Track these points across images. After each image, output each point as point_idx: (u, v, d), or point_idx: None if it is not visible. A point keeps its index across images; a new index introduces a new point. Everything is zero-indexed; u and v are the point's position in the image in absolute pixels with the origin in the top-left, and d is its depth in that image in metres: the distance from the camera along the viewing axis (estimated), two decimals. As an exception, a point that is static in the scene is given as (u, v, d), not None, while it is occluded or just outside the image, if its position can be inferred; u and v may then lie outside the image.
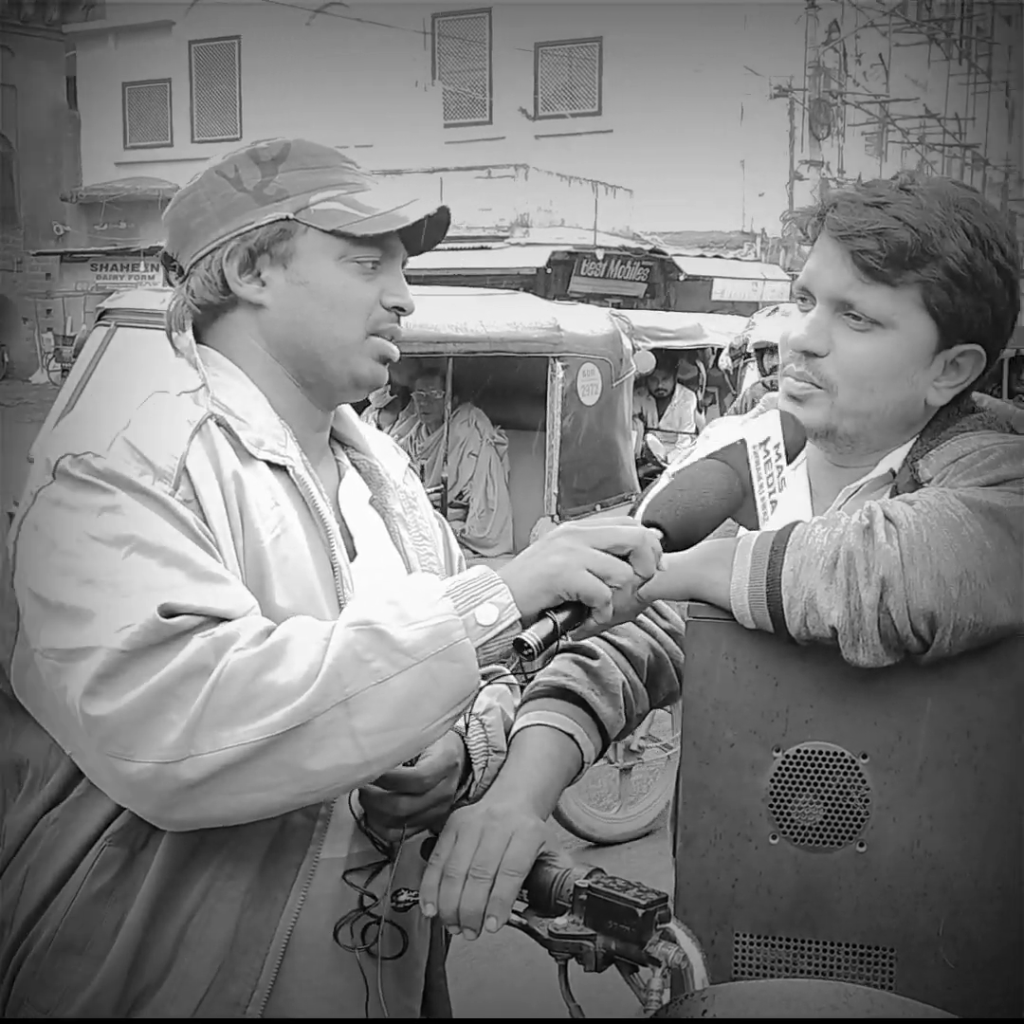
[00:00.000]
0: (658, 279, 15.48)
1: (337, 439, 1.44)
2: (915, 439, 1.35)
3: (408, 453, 5.77)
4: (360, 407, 6.12)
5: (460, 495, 5.56)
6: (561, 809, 4.02)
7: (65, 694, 1.11)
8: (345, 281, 1.31)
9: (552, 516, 5.03)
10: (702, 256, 15.67)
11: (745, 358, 5.92)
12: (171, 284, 1.36)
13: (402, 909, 1.26)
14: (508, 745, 1.38)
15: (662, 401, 7.94)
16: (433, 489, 4.75)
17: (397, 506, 1.43)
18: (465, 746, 1.34)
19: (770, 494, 1.24)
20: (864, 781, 1.22)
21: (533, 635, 1.09)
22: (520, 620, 1.12)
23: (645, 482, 5.53)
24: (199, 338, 1.33)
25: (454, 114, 18.98)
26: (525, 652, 1.08)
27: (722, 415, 5.54)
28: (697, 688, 1.27)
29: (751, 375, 5.36)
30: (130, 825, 1.20)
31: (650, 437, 4.93)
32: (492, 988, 3.30)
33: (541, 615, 1.12)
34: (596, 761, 1.44)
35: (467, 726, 1.36)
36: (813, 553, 1.17)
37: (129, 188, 22.02)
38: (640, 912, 1.12)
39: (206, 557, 1.16)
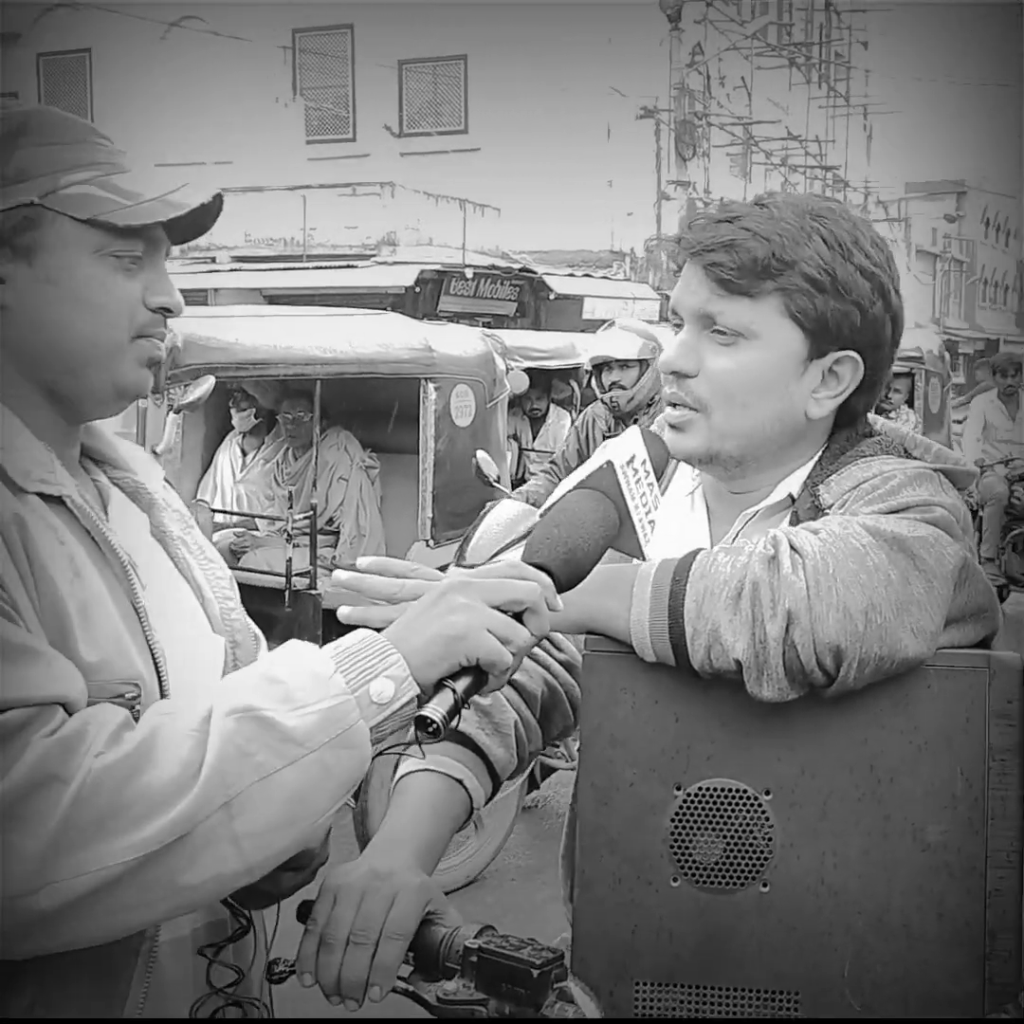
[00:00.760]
0: (528, 298, 15.56)
1: (88, 456, 1.23)
2: (813, 463, 1.33)
3: (275, 480, 5.61)
4: (223, 432, 5.86)
5: (330, 521, 5.41)
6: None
7: None
8: (103, 278, 1.11)
9: (426, 541, 4.92)
10: (572, 275, 15.81)
11: (589, 375, 5.89)
12: None
13: (277, 981, 1.15)
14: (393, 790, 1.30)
15: (536, 421, 7.95)
16: (302, 516, 4.61)
17: (174, 527, 1.24)
18: None
19: (646, 514, 1.19)
20: (767, 818, 1.18)
21: (436, 710, 0.98)
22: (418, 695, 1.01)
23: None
24: None
25: (316, 131, 18.73)
26: (429, 729, 0.98)
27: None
28: (595, 725, 1.22)
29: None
30: None
31: (481, 454, 4.83)
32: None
33: (438, 685, 1.01)
34: (486, 804, 1.37)
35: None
36: (716, 583, 1.12)
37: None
38: (535, 973, 1.05)
39: (12, 628, 0.97)
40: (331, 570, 4.97)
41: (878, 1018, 1.17)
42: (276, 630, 4.40)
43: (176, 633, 1.13)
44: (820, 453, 1.33)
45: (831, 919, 1.18)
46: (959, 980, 1.16)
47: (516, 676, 1.38)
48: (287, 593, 4.41)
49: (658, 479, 1.26)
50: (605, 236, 17.11)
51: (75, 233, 1.10)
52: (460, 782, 1.31)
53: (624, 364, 4.62)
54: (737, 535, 1.34)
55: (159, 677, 1.09)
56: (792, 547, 1.13)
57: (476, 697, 1.23)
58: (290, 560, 4.42)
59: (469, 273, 14.13)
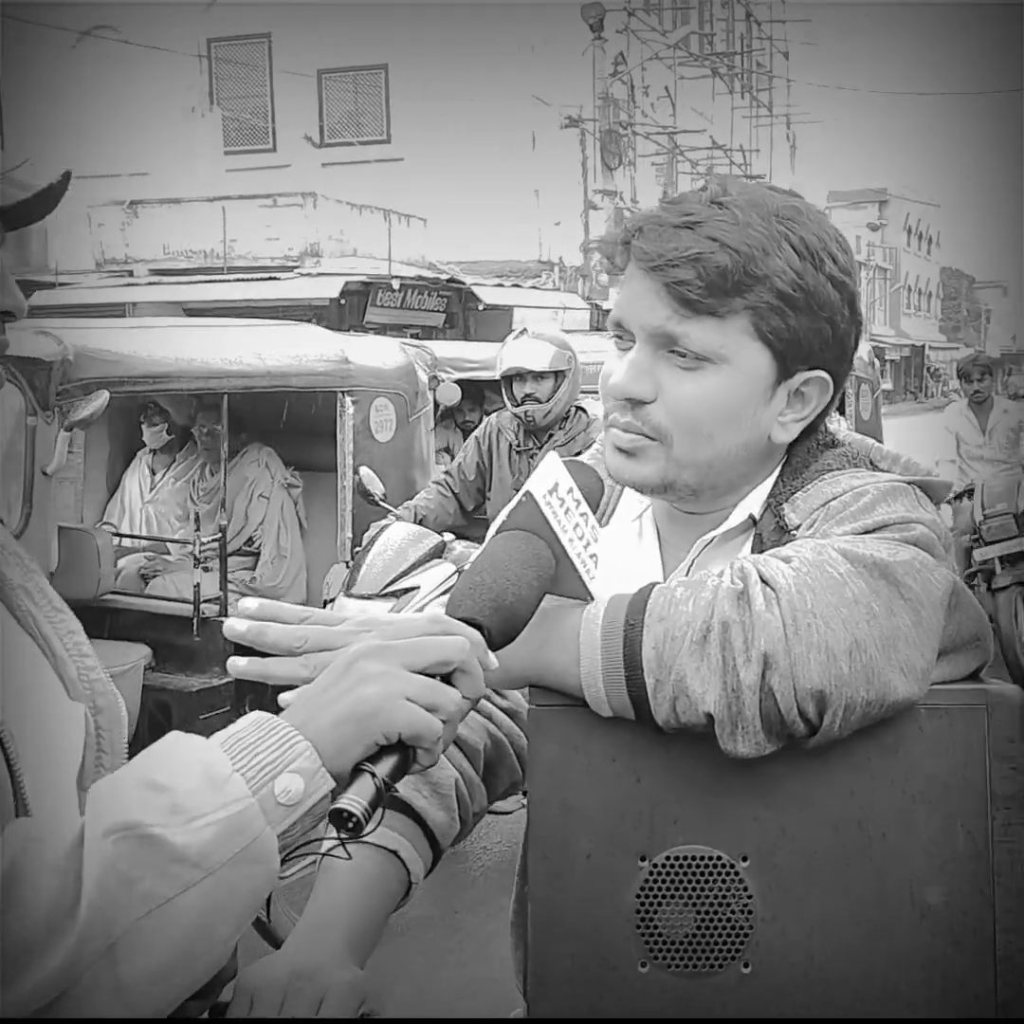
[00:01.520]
0: (457, 309, 15.39)
1: None
2: (774, 479, 1.18)
3: (191, 497, 5.29)
4: (130, 451, 5.55)
5: (250, 541, 5.14)
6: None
7: None
8: None
9: (346, 562, 4.65)
10: (501, 286, 15.68)
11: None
12: None
13: None
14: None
15: (470, 434, 7.80)
16: (211, 538, 4.33)
17: (13, 574, 1.02)
18: None
19: (585, 548, 1.03)
20: (745, 888, 1.04)
21: (355, 801, 0.81)
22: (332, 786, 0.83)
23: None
24: None
25: (235, 141, 18.39)
26: (350, 824, 0.80)
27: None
28: (544, 789, 1.06)
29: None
30: None
31: (365, 470, 4.51)
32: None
33: (356, 769, 0.84)
34: (426, 876, 1.20)
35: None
36: (678, 625, 0.97)
37: None
38: None
39: None
40: (250, 594, 4.75)
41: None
42: (184, 661, 4.19)
43: (27, 705, 0.92)
44: (780, 468, 1.19)
45: (823, 1000, 1.03)
46: (968, 1065, 1.02)
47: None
48: (195, 621, 4.17)
49: (594, 510, 1.11)
50: (533, 246, 17.03)
51: None
52: (395, 853, 1.14)
53: (538, 375, 4.22)
54: (693, 564, 1.19)
55: (9, 767, 0.86)
56: (763, 579, 0.99)
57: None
58: (198, 585, 4.17)
59: (396, 284, 13.95)
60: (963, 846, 1.03)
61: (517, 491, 4.15)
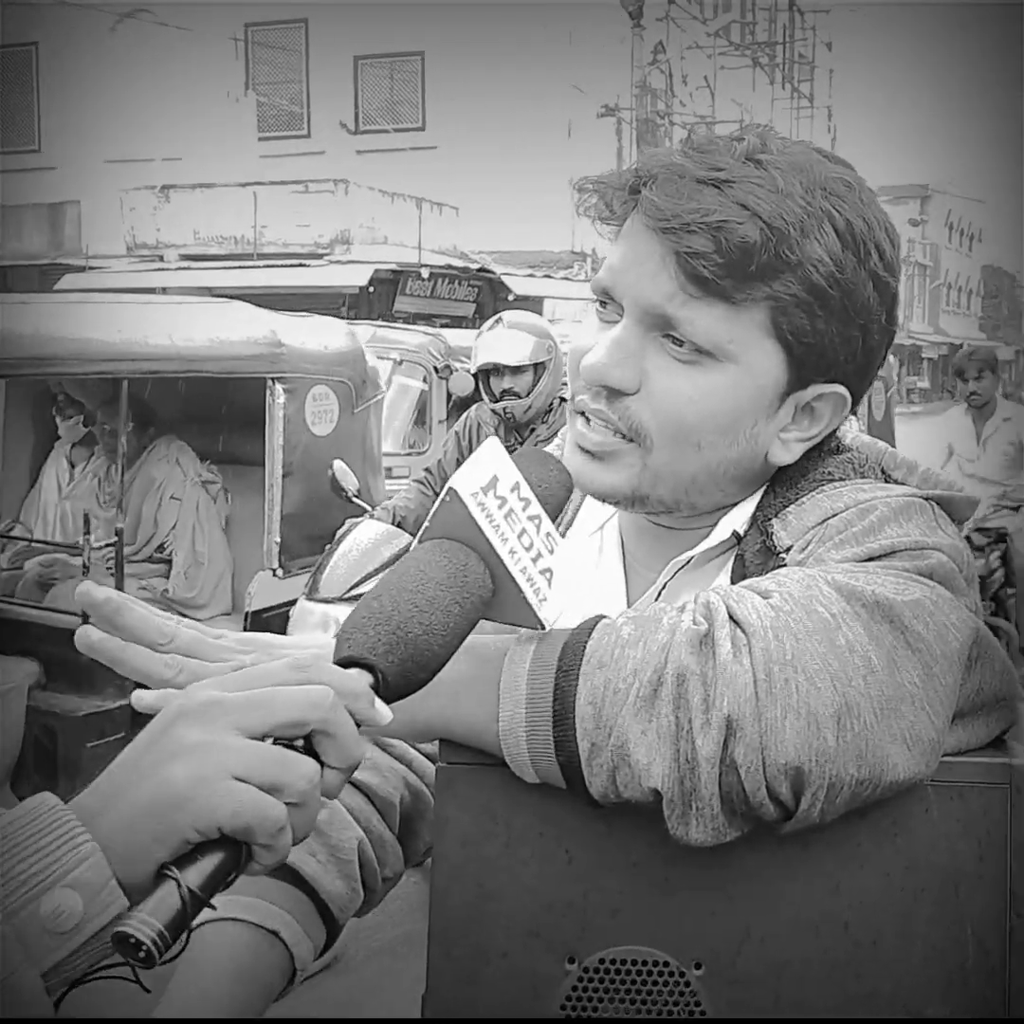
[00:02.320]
0: (487, 299, 15.17)
1: None
2: (763, 490, 0.97)
3: (96, 499, 4.70)
4: (49, 443, 5.05)
5: (161, 548, 4.55)
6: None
7: None
8: None
9: (273, 570, 4.19)
10: (531, 276, 15.47)
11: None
12: None
13: None
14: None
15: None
16: (105, 543, 3.82)
17: None
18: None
19: (534, 561, 0.81)
20: (698, 1003, 0.83)
21: (145, 926, 0.59)
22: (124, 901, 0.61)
23: None
24: None
25: (269, 127, 18.22)
26: (139, 955, 0.59)
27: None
28: (452, 869, 0.86)
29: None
30: None
31: (338, 464, 4.11)
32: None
33: (159, 875, 0.62)
34: (319, 959, 1.00)
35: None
36: (622, 675, 0.76)
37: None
38: None
39: None
40: (164, 605, 4.26)
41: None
42: (75, 681, 3.73)
43: None
44: (771, 477, 0.98)
45: None
46: None
47: (363, 777, 1.01)
48: None
49: (557, 514, 0.90)
50: (566, 236, 16.77)
51: None
52: (276, 935, 0.93)
53: (516, 369, 3.89)
54: (663, 589, 0.98)
55: None
56: (733, 619, 0.77)
57: None
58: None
59: (425, 273, 13.78)
60: (974, 959, 0.82)
61: None
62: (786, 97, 21.39)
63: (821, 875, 0.82)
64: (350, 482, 4.06)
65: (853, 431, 1.04)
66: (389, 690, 0.72)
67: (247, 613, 4.11)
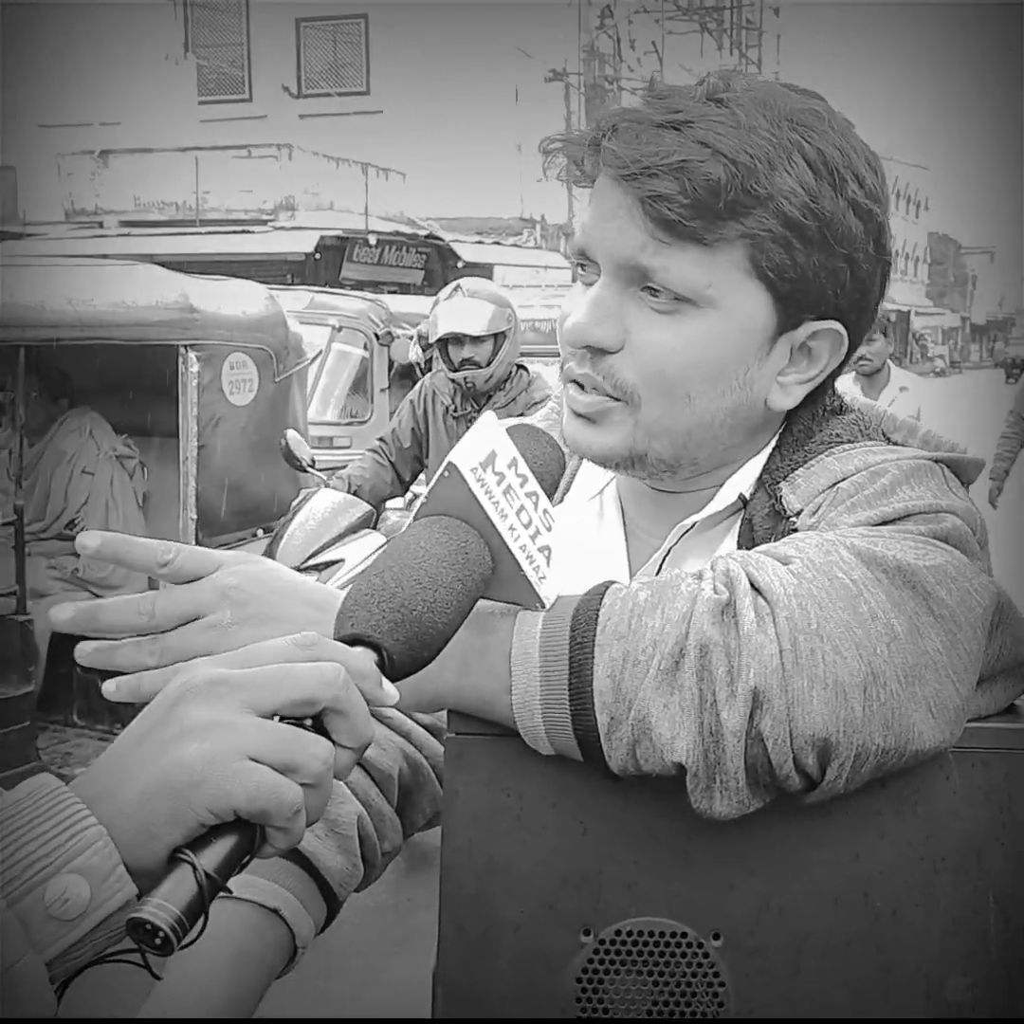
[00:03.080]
0: (436, 266, 15.03)
1: None
2: (770, 451, 0.95)
3: (7, 472, 4.32)
4: None
5: (72, 524, 4.30)
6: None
7: None
8: None
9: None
10: (480, 243, 15.35)
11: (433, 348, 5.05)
12: None
13: None
14: None
15: None
16: (4, 521, 3.57)
17: None
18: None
19: (533, 538, 0.79)
20: (717, 974, 0.81)
21: (161, 910, 0.56)
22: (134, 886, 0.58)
23: None
24: None
25: (209, 90, 17.85)
26: (156, 940, 0.56)
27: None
28: (463, 841, 0.83)
29: (436, 366, 4.26)
30: None
31: (292, 433, 3.97)
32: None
33: (173, 858, 0.59)
34: (319, 934, 0.97)
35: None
36: (641, 645, 0.74)
37: None
38: None
39: None
40: (75, 586, 4.13)
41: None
42: None
43: None
44: (777, 437, 0.96)
45: (810, 1118, 0.81)
46: None
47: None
48: None
49: (553, 490, 0.87)
50: (515, 203, 16.65)
51: None
52: (277, 913, 0.91)
53: (476, 339, 3.85)
54: (667, 556, 0.95)
55: None
56: (754, 587, 0.75)
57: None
58: None
59: (373, 240, 13.63)
60: (995, 929, 0.81)
61: None
62: (734, 62, 21.40)
63: (841, 845, 0.81)
64: (304, 452, 3.98)
65: (852, 393, 1.02)
66: (394, 669, 0.70)
67: None
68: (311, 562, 3.74)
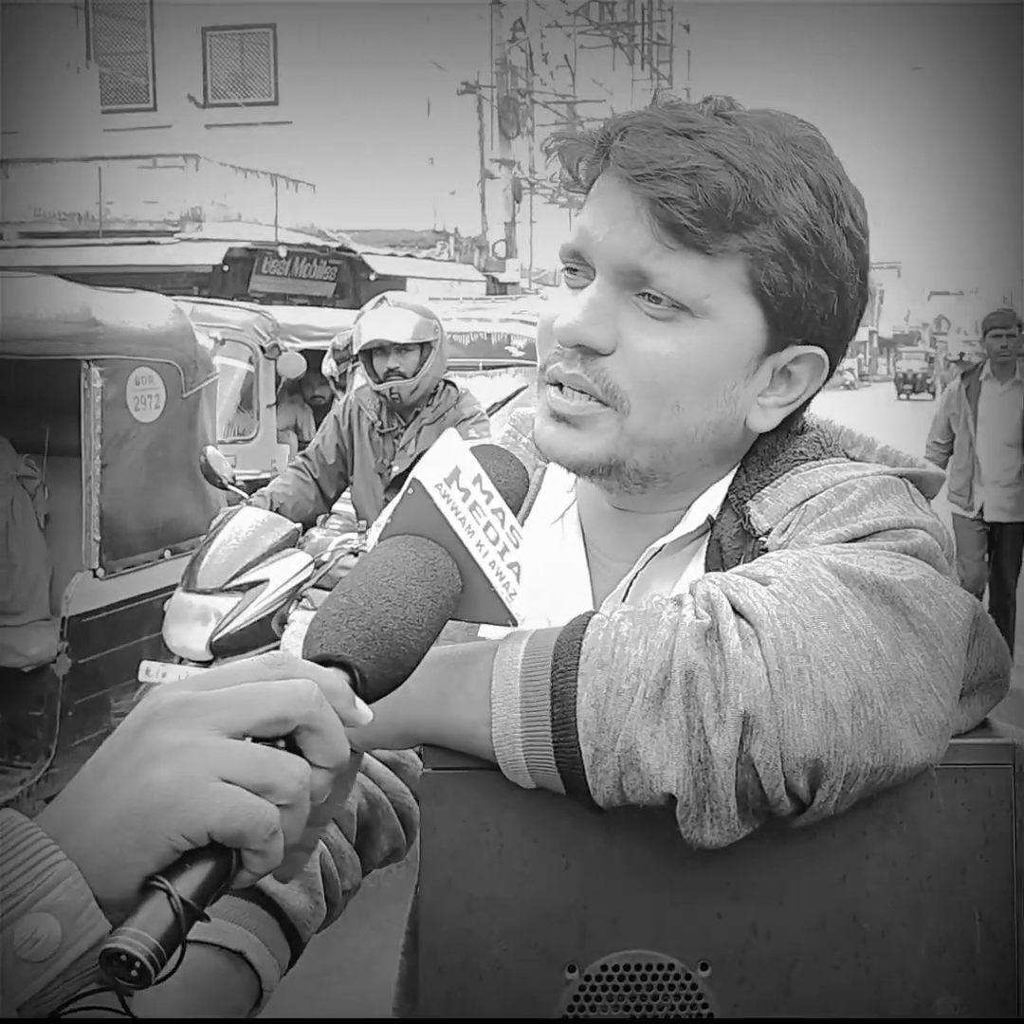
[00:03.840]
0: (347, 279, 14.92)
1: None
2: (735, 471, 0.94)
3: None
4: None
5: None
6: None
7: None
8: None
9: (93, 571, 3.87)
10: (393, 255, 15.28)
11: (353, 361, 4.66)
12: None
13: None
14: None
15: (319, 410, 6.89)
16: None
17: None
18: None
19: (501, 555, 0.77)
20: (705, 1005, 0.79)
21: (138, 940, 0.53)
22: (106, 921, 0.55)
23: None
24: None
25: (113, 99, 17.51)
26: (133, 971, 0.53)
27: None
28: (441, 879, 0.80)
29: (359, 382, 4.18)
30: None
31: (212, 450, 3.85)
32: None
33: (147, 887, 0.56)
34: (283, 976, 0.93)
35: None
36: (624, 674, 0.72)
37: None
38: None
39: None
40: None
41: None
42: None
43: None
44: (742, 457, 0.95)
45: None
46: None
47: None
48: None
49: (516, 510, 0.86)
50: (428, 215, 16.60)
51: None
52: (241, 955, 0.87)
53: (402, 348, 3.79)
54: (634, 581, 0.94)
55: None
56: (736, 610, 0.74)
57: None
58: None
59: (283, 251, 13.47)
60: (982, 945, 0.81)
61: (381, 476, 3.72)
62: (646, 78, 21.65)
63: (827, 867, 0.80)
64: (224, 469, 3.89)
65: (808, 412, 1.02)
66: (366, 689, 0.68)
67: (64, 618, 3.79)
68: (235, 583, 3.66)
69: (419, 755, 1.01)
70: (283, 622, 3.73)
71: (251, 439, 6.32)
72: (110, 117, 17.04)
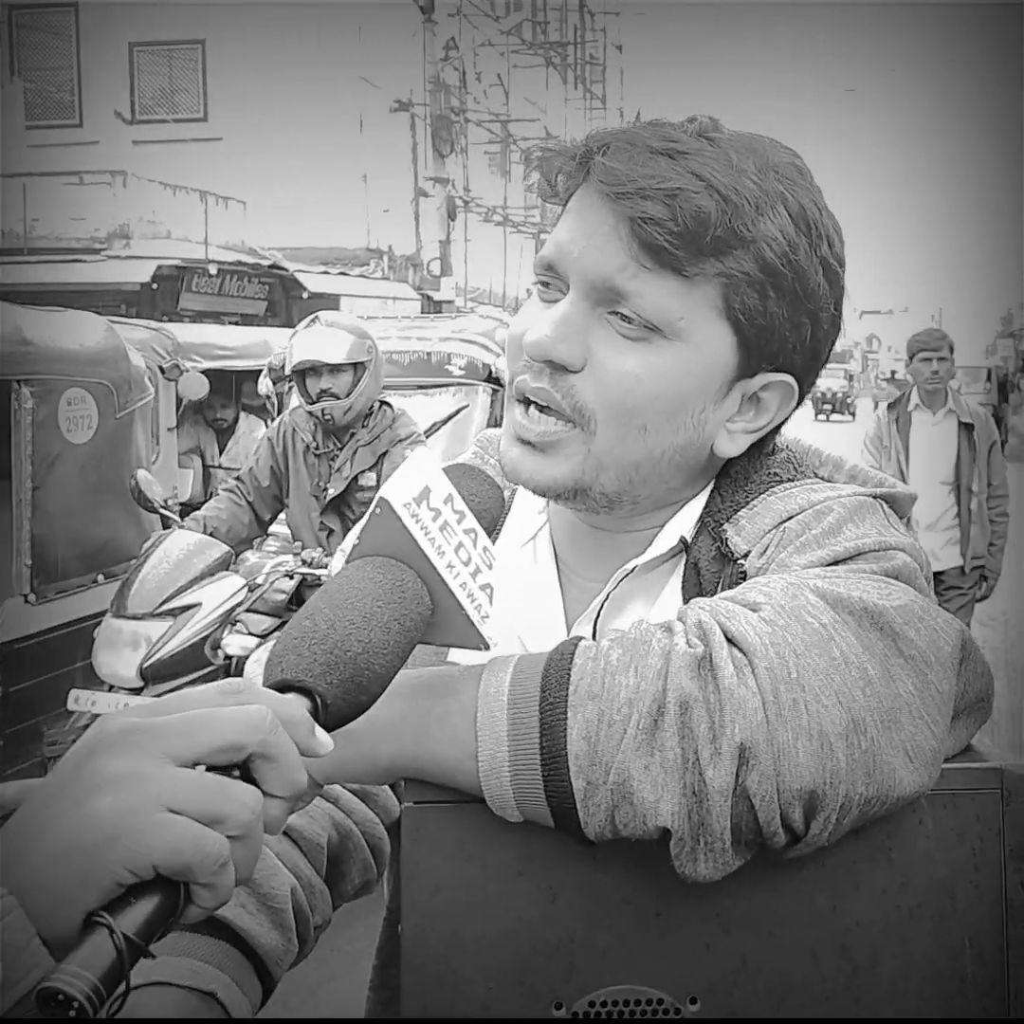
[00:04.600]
0: (279, 296, 14.79)
1: None
2: (709, 492, 0.93)
3: None
4: None
5: None
6: None
7: None
8: None
9: (24, 596, 3.78)
10: (326, 273, 15.18)
11: (289, 382, 4.53)
12: None
13: None
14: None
15: (224, 433, 6.61)
16: None
17: None
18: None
19: (473, 576, 0.75)
20: (696, 1041, 0.77)
21: (76, 979, 0.50)
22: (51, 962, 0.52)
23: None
24: None
25: (38, 115, 17.13)
26: (71, 1011, 0.50)
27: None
28: (423, 916, 0.78)
29: (294, 402, 4.11)
30: None
31: (142, 473, 3.77)
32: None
33: (89, 922, 0.53)
34: (258, 1011, 0.89)
35: None
36: (616, 705, 0.71)
37: None
38: None
39: None
40: None
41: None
42: None
43: None
44: (715, 480, 0.94)
45: None
46: None
47: (290, 819, 0.91)
48: None
49: (490, 531, 0.84)
50: (361, 233, 16.53)
51: None
52: (213, 996, 0.83)
53: (335, 368, 3.73)
54: (606, 602, 0.92)
55: None
56: (729, 638, 0.73)
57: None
58: None
59: (213, 269, 13.31)
60: (973, 971, 0.80)
61: (317, 499, 3.67)
62: (579, 97, 21.82)
63: (817, 897, 0.79)
64: (155, 492, 3.81)
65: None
66: (329, 716, 0.66)
67: None
68: (166, 607, 3.58)
69: (391, 787, 0.99)
70: (216, 647, 3.67)
71: (153, 464, 6.08)
72: (35, 133, 16.74)
